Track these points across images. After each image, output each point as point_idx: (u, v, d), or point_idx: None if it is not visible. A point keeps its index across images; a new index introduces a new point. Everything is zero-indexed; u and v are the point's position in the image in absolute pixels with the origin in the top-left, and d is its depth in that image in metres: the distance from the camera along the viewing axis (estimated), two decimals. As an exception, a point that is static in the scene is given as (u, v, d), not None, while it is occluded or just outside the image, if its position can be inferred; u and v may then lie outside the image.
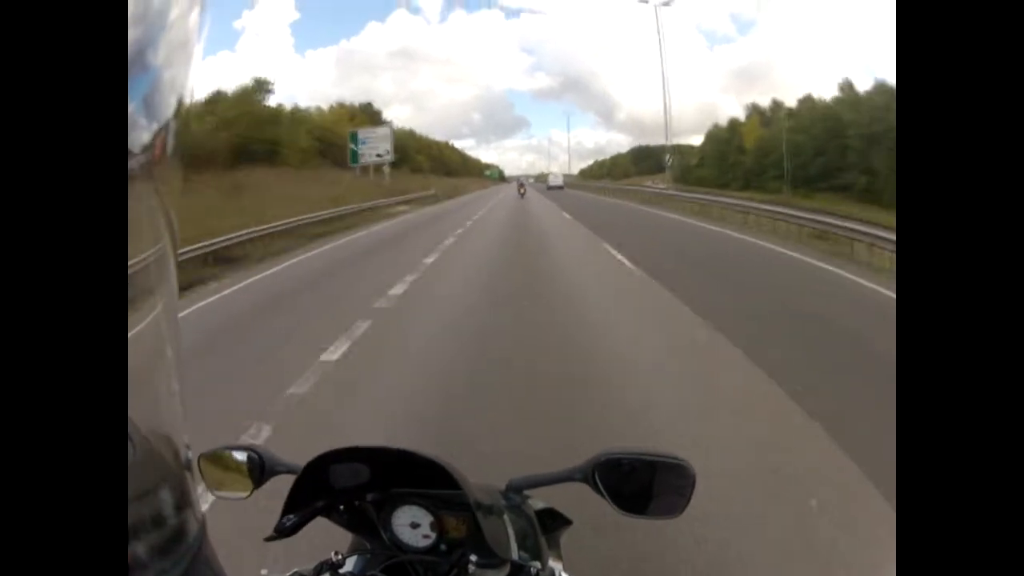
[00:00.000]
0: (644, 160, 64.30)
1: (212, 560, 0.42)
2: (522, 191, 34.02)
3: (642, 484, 0.73)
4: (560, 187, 46.27)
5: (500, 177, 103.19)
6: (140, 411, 0.33)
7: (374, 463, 0.70)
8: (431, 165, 45.00)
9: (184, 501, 0.39)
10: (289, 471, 0.74)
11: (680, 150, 62.50)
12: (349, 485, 0.72)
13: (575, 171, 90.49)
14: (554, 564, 0.80)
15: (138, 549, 0.34)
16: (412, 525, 0.72)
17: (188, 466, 0.40)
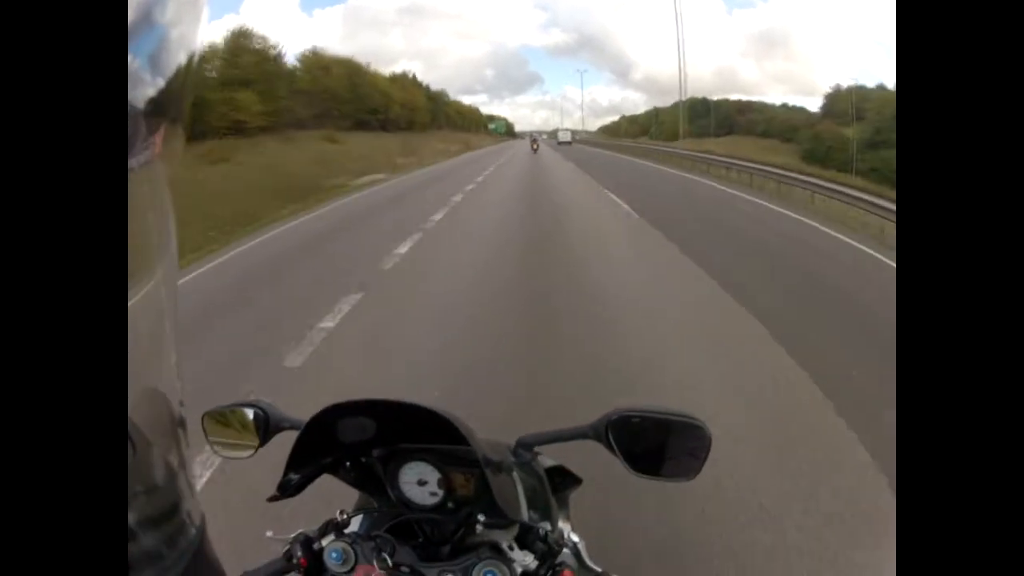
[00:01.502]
0: (701, 117, 45.89)
1: (212, 557, 0.44)
2: (535, 147, 33.24)
3: (656, 443, 0.72)
4: (568, 143, 48.07)
5: (508, 132, 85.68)
6: (139, 405, 0.36)
7: (380, 417, 0.71)
8: (345, 113, 28.94)
9: (184, 497, 0.42)
10: (294, 427, 0.74)
11: (767, 111, 43.25)
12: (355, 440, 0.72)
13: (594, 128, 79.71)
14: (563, 525, 0.80)
15: (138, 547, 0.38)
16: (419, 482, 0.73)
17: (188, 458, 0.42)
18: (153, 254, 0.37)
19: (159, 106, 0.34)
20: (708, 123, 45.14)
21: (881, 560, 1.68)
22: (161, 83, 0.34)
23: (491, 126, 69.07)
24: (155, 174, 0.36)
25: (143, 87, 0.32)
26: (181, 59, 0.35)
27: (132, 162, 0.31)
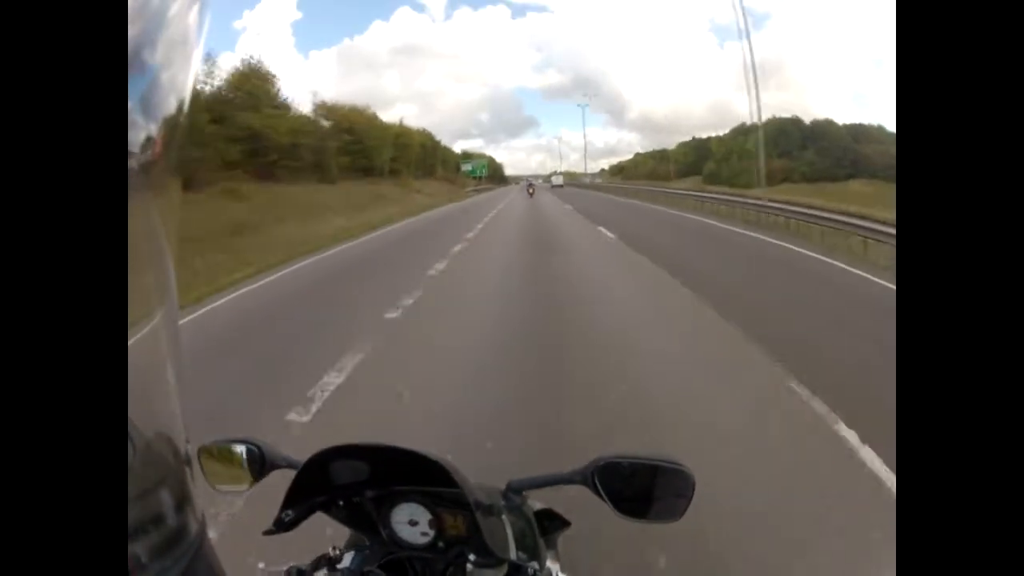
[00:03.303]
0: (798, 147, 17.54)
1: (212, 559, 0.50)
2: (531, 191, 32.79)
3: (642, 488, 0.80)
4: (561, 186, 51.61)
5: (496, 176, 62.09)
6: (140, 411, 0.42)
7: (374, 460, 0.80)
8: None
9: (184, 500, 0.47)
10: (289, 465, 0.85)
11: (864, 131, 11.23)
12: (349, 481, 0.81)
13: (595, 168, 76.66)
14: (552, 565, 0.92)
15: (138, 548, 0.42)
16: (411, 522, 0.81)
17: (188, 465, 0.49)
18: (152, 285, 0.43)
19: (154, 146, 0.38)
20: (807, 156, 24.85)
21: (881, 560, 1.84)
22: (154, 126, 0.37)
23: (465, 167, 50.38)
24: (152, 216, 0.41)
25: (137, 129, 0.36)
26: (173, 101, 0.39)
27: (130, 197, 0.35)
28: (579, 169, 77.37)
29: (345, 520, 0.87)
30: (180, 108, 0.38)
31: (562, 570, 0.94)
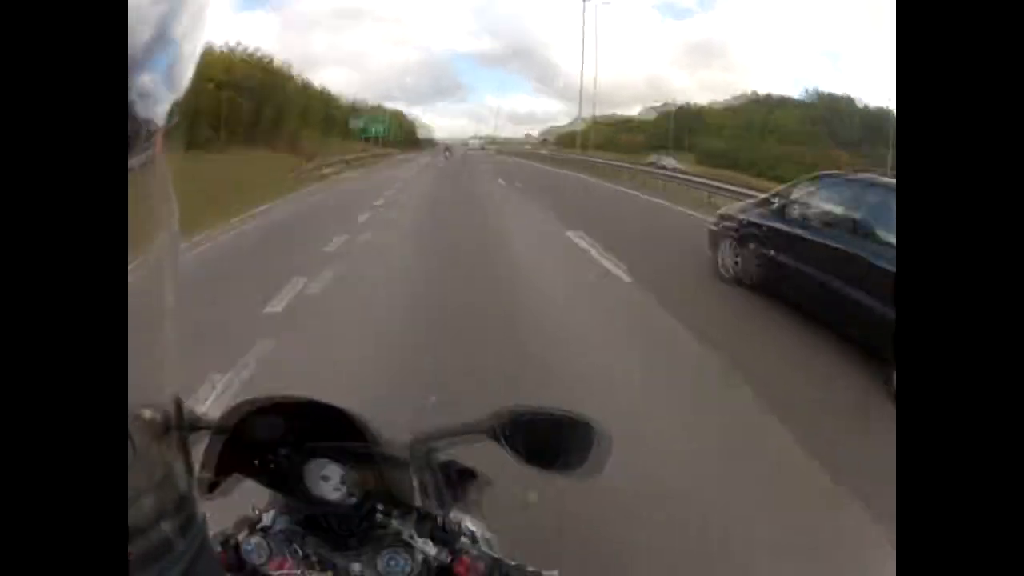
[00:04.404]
0: (850, 136, 0.80)
1: (212, 558, 0.55)
2: (447, 155, 35.01)
3: (547, 439, 0.89)
4: (481, 149, 55.27)
5: (401, 139, 39.51)
6: (140, 408, 0.45)
7: (288, 415, 0.86)
8: None
9: (184, 499, 0.51)
10: (205, 426, 0.90)
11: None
12: (264, 438, 0.86)
13: (512, 133, 77.50)
14: (461, 515, 1.00)
15: (138, 548, 0.45)
16: (323, 478, 0.90)
17: (188, 465, 0.53)
18: (153, 269, 0.44)
19: (162, 110, 0.39)
20: (879, 151, 11.75)
21: (881, 560, 1.98)
22: (168, 97, 0.39)
23: (355, 124, 36.56)
24: (157, 183, 0.42)
25: (150, 101, 0.37)
26: (188, 71, 0.40)
27: (133, 162, 0.36)
28: (507, 134, 70.90)
29: (263, 480, 0.94)
30: (191, 78, 0.40)
31: (472, 520, 1.03)
